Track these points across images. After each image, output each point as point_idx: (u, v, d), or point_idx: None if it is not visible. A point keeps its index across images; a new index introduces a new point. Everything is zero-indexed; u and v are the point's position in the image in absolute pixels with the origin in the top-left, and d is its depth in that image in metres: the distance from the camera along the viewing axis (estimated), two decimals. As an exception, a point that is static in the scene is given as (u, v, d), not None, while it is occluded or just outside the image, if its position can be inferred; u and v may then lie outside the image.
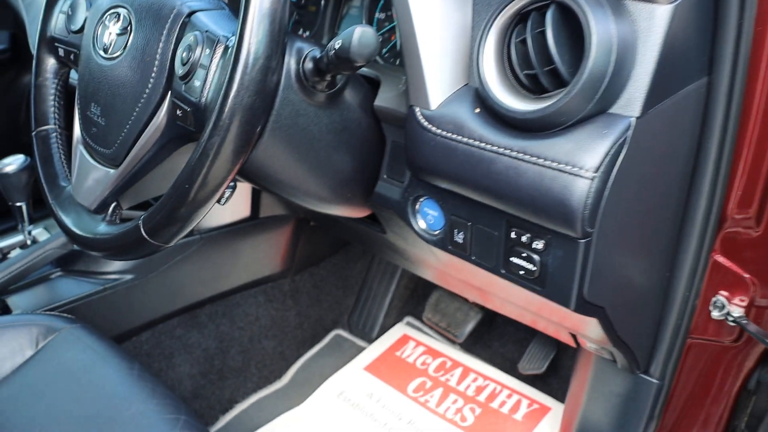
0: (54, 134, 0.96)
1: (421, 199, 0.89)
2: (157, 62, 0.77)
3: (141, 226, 0.74)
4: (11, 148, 2.23)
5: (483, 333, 1.69)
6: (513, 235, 0.79)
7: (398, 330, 1.75)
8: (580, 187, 0.70)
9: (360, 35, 0.71)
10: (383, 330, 1.75)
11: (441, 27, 0.79)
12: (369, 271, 1.81)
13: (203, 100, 0.72)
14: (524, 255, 0.79)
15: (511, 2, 0.76)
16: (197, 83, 0.73)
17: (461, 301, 1.68)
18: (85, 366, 1.04)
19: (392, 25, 1.01)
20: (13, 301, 1.29)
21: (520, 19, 0.76)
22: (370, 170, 0.94)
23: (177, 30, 0.77)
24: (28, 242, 1.39)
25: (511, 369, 1.60)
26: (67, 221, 0.86)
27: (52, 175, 0.93)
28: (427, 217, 0.89)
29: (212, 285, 1.52)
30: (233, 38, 0.71)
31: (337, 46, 0.72)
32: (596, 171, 0.69)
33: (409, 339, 1.71)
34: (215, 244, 1.47)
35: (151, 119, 0.78)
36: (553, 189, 0.71)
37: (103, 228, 0.82)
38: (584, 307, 0.79)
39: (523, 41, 0.74)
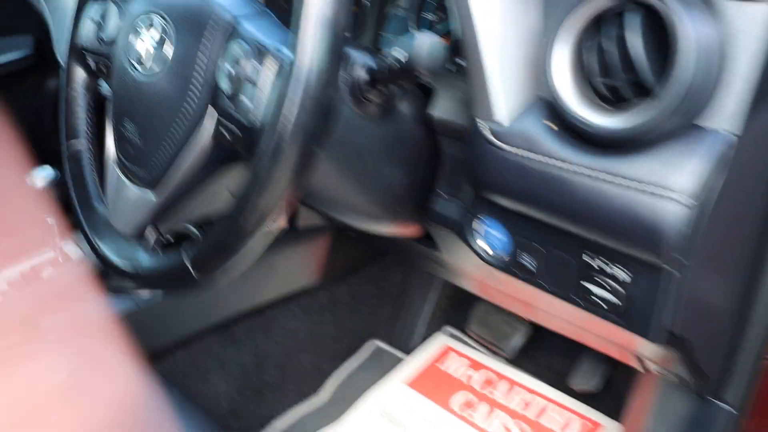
0: (85, 151, 0.90)
1: (484, 220, 0.81)
2: (197, 76, 0.69)
3: (185, 258, 0.68)
4: (37, 155, 2.21)
5: (529, 345, 1.61)
6: (590, 261, 0.72)
7: (439, 341, 1.68)
8: (673, 213, 0.62)
9: (430, 47, 0.63)
10: (423, 341, 1.68)
11: (507, 32, 0.72)
12: (407, 279, 1.74)
13: (254, 120, 0.64)
14: (602, 283, 0.72)
15: (584, 3, 0.68)
16: (246, 101, 0.65)
17: (507, 314, 1.60)
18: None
19: (445, 28, 0.94)
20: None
21: (595, 22, 0.68)
22: (424, 186, 0.87)
23: (220, 40, 0.69)
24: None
25: (559, 383, 1.52)
26: (105, 249, 0.79)
27: (84, 197, 0.86)
28: (491, 238, 0.82)
29: (248, 299, 1.46)
30: (285, 50, 0.64)
31: (401, 58, 0.65)
32: (690, 194, 0.62)
33: (450, 351, 1.64)
34: (251, 257, 1.41)
35: (193, 139, 0.70)
36: (642, 214, 0.64)
37: (142, 257, 0.75)
38: (669, 340, 0.72)
39: (600, 47, 0.67)
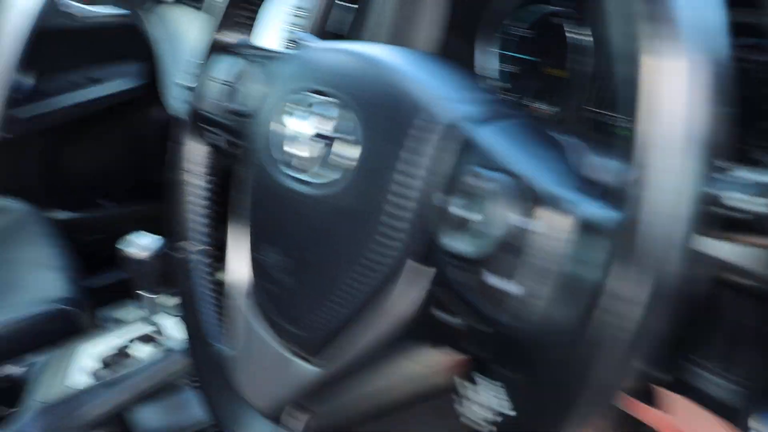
0: (199, 259, 0.65)
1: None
2: (402, 213, 0.43)
3: None
4: (140, 189, 2.06)
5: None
6: None
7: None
8: None
9: None
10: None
11: None
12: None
13: (522, 319, 0.37)
14: None
15: None
16: (506, 285, 0.38)
17: None
18: None
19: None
20: (133, 421, 1.04)
21: None
22: (675, 347, 0.59)
23: (444, 157, 0.42)
24: (158, 337, 1.15)
25: None
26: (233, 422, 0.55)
27: (194, 325, 0.62)
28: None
29: (370, 400, 1.22)
30: (590, 205, 0.36)
31: (753, 208, 0.36)
32: None
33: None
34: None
35: (380, 301, 0.45)
36: None
37: None
38: None
39: None
